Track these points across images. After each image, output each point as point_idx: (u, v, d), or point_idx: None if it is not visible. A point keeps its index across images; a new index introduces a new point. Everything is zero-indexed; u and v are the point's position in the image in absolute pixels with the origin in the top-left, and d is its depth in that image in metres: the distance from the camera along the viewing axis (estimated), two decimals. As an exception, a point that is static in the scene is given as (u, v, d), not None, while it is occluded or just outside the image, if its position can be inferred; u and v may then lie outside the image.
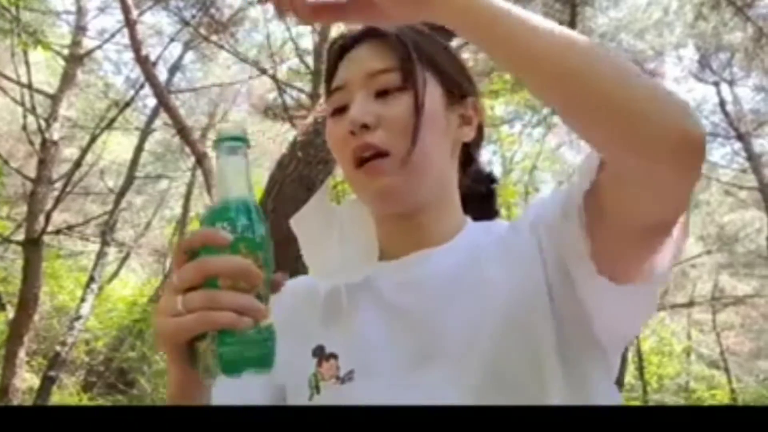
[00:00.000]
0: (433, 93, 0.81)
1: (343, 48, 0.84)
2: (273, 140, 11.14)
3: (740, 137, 10.58)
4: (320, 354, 0.77)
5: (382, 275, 0.82)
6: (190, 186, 11.87)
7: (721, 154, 12.78)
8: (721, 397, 13.00)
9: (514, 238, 0.78)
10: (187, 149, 6.87)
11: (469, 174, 0.91)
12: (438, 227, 0.83)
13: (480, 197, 0.92)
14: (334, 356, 0.76)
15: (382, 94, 0.79)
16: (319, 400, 0.75)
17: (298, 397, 0.78)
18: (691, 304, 12.60)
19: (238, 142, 0.63)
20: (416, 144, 0.77)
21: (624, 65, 0.60)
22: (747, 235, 12.31)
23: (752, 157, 10.37)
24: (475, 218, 0.88)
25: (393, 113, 0.78)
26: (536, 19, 0.62)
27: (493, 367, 0.69)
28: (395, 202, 0.81)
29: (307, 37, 9.22)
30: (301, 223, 0.87)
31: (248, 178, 0.63)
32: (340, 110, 0.82)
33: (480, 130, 0.88)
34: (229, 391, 0.75)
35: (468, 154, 0.89)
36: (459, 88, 0.85)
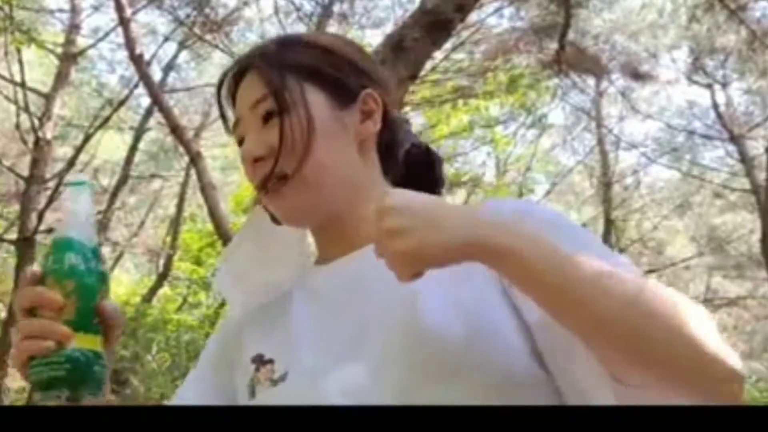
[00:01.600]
0: (315, 103, 0.81)
1: (234, 84, 0.87)
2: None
3: (733, 139, 10.62)
4: (259, 360, 0.79)
5: (316, 278, 0.84)
6: (183, 185, 11.84)
7: (713, 156, 12.85)
8: (714, 398, 13.03)
9: None
10: (181, 149, 6.86)
11: (396, 160, 0.90)
12: (365, 229, 0.81)
13: (420, 174, 0.92)
14: (271, 361, 0.78)
15: (266, 119, 0.81)
16: (253, 403, 0.77)
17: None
18: (683, 305, 12.63)
19: (72, 186, 0.72)
20: (278, 164, 0.79)
21: (674, 318, 0.61)
22: (739, 237, 12.36)
23: (745, 159, 10.41)
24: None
25: (274, 142, 0.80)
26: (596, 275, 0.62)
27: (419, 366, 0.69)
28: (302, 219, 0.84)
29: (301, 37, 9.21)
30: (231, 257, 0.89)
31: (79, 217, 0.71)
32: (242, 143, 0.84)
33: (389, 117, 0.87)
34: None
35: (387, 145, 0.88)
36: (347, 88, 0.84)
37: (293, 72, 0.81)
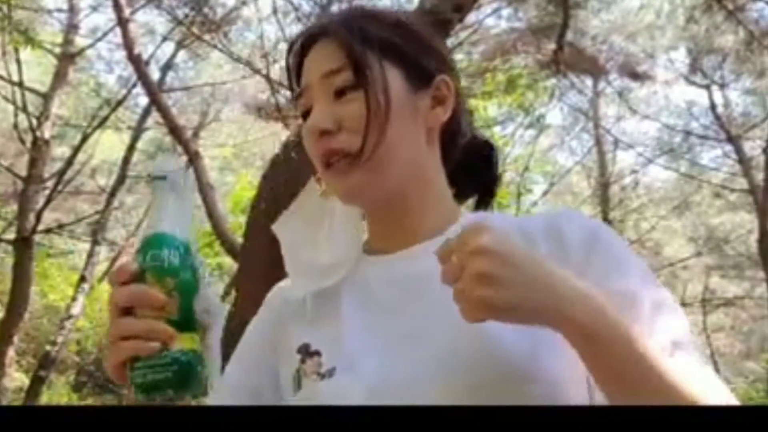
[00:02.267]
0: (393, 82, 0.78)
1: (302, 50, 0.83)
2: (265, 140, 11.12)
3: (731, 140, 10.63)
4: (305, 351, 0.78)
5: (370, 271, 0.81)
6: (181, 185, 11.81)
7: (711, 156, 12.86)
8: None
9: (528, 246, 0.76)
10: (179, 148, 6.85)
11: (456, 151, 0.88)
12: (423, 219, 0.82)
13: (476, 167, 0.90)
14: (317, 353, 0.76)
15: (339, 93, 0.78)
16: (300, 396, 0.76)
17: (286, 395, 0.79)
18: (681, 305, 12.65)
19: (159, 180, 0.68)
20: (367, 143, 0.76)
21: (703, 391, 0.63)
22: (737, 237, 12.38)
23: (743, 159, 10.43)
24: (475, 190, 0.87)
25: (351, 114, 0.77)
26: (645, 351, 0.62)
27: (477, 372, 0.68)
28: (362, 199, 0.81)
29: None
30: (286, 227, 0.87)
31: (168, 211, 0.68)
32: (307, 114, 0.81)
33: (458, 106, 0.84)
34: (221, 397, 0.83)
35: (452, 134, 0.86)
36: (424, 71, 0.81)
37: (374, 47, 0.78)
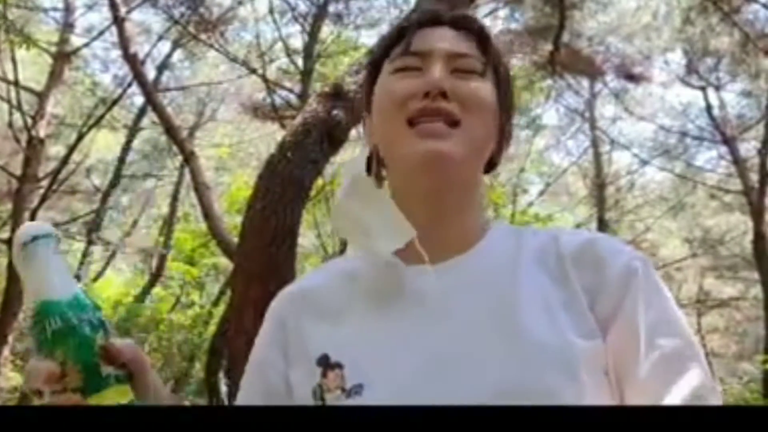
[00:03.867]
0: (498, 96, 0.84)
1: (424, 22, 0.86)
2: (261, 140, 11.12)
3: (726, 141, 10.68)
4: (325, 363, 0.75)
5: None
6: (177, 185, 11.82)
7: (706, 157, 12.93)
8: (706, 399, 13.07)
9: (560, 266, 0.78)
10: (175, 148, 6.85)
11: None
12: (458, 230, 0.82)
13: None
14: (339, 365, 0.74)
15: (458, 72, 0.82)
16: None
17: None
18: (676, 306, 12.69)
19: (22, 247, 0.64)
20: (479, 119, 0.80)
21: None
22: (732, 238, 12.42)
23: (738, 161, 10.47)
24: None
25: (469, 91, 0.80)
26: None
27: (520, 396, 0.67)
28: (440, 168, 0.78)
29: (296, 37, 9.23)
30: (353, 168, 0.87)
31: (44, 274, 0.63)
32: (409, 70, 0.82)
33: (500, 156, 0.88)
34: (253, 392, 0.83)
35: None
36: (506, 108, 0.86)
37: (494, 59, 0.85)
